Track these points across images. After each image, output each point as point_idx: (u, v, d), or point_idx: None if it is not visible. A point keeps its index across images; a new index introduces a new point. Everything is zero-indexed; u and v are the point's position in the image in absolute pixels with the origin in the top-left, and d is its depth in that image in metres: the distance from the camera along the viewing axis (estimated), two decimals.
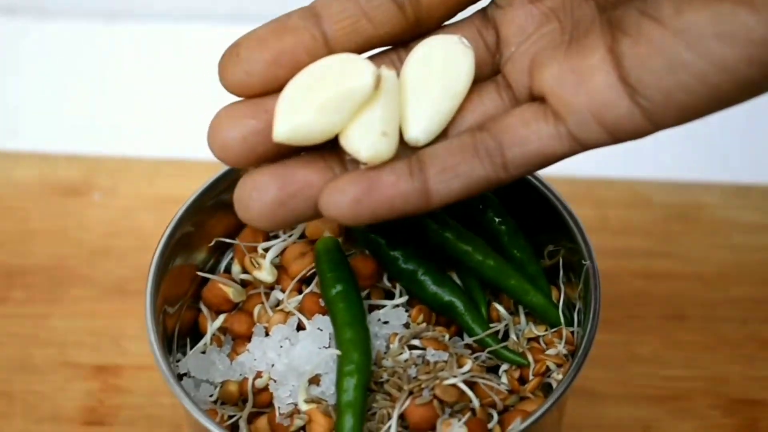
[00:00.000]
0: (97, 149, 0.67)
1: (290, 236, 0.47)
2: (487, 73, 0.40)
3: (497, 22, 0.40)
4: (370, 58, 0.39)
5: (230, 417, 0.44)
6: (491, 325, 0.45)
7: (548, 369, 0.44)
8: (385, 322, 0.45)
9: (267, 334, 0.45)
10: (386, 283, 0.46)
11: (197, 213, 0.46)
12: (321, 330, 0.44)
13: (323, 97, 0.37)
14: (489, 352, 0.44)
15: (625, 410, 0.55)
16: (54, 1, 0.75)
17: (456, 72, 0.39)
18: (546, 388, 0.45)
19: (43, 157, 0.66)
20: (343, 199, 0.36)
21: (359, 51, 0.38)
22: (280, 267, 0.47)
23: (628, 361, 0.57)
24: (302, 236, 0.47)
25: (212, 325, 0.47)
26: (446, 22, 0.40)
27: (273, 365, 0.44)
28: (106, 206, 0.64)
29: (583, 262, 0.44)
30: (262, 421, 0.44)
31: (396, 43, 0.40)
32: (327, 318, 0.44)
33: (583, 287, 0.45)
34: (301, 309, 0.45)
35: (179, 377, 0.45)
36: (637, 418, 0.55)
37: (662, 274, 0.60)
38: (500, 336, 0.45)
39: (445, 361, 0.43)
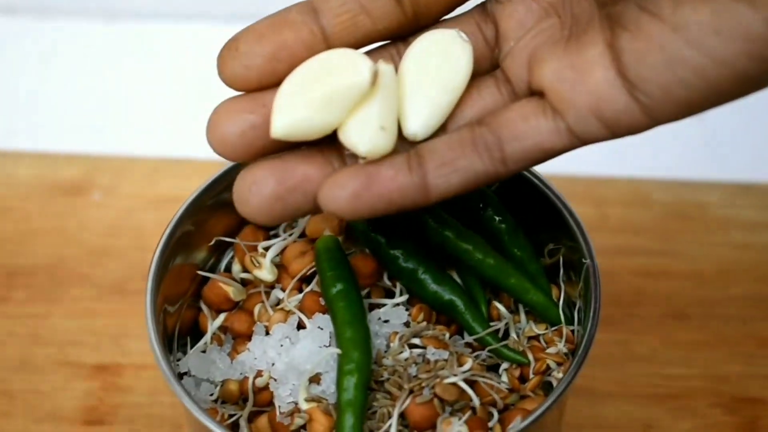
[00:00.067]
0: (97, 149, 0.67)
1: (290, 235, 0.47)
2: (486, 67, 0.40)
3: (496, 16, 0.40)
4: (369, 52, 0.40)
5: (231, 416, 0.44)
6: (491, 323, 0.45)
7: (548, 367, 0.44)
8: (386, 321, 0.45)
9: (267, 333, 0.45)
10: (386, 281, 0.46)
11: (197, 212, 0.46)
12: (321, 329, 0.44)
13: (321, 93, 0.37)
14: (489, 351, 0.44)
15: (625, 409, 0.55)
16: (54, 1, 0.75)
17: (454, 66, 0.39)
18: (546, 387, 0.45)
19: (43, 157, 0.66)
20: (342, 193, 0.36)
21: (358, 46, 0.38)
22: (280, 266, 0.47)
23: (628, 359, 0.57)
24: (302, 235, 0.47)
25: (212, 324, 0.47)
26: (445, 17, 0.40)
27: (273, 364, 0.44)
28: (106, 206, 0.64)
29: (583, 261, 0.44)
30: (263, 420, 0.44)
31: (395, 37, 0.40)
32: (327, 317, 0.44)
33: (583, 286, 0.45)
34: (301, 308, 0.45)
35: (180, 376, 0.45)
36: (637, 416, 0.55)
37: (662, 272, 0.60)
38: (500, 335, 0.45)
39: (446, 360, 0.43)
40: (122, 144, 0.68)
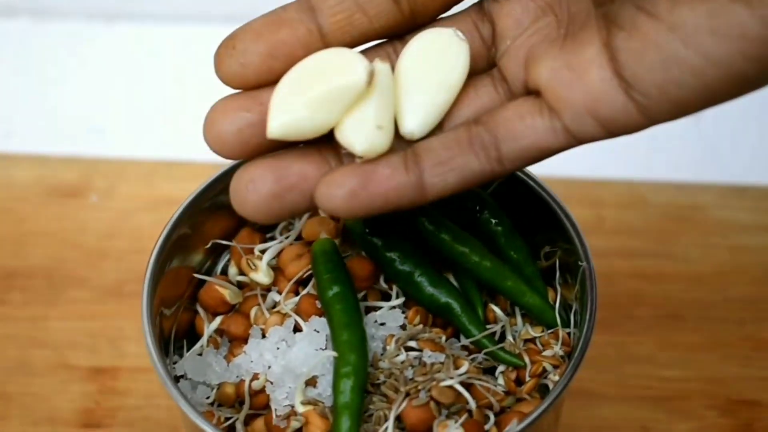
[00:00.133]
0: (94, 151, 0.67)
1: (287, 238, 0.47)
2: (483, 66, 0.40)
3: (493, 15, 0.40)
4: (366, 50, 0.40)
5: (227, 419, 0.44)
6: (488, 326, 0.45)
7: (545, 370, 0.44)
8: (382, 324, 0.45)
9: (264, 336, 0.45)
10: (383, 284, 0.46)
11: (194, 215, 0.46)
12: (318, 332, 0.44)
13: (317, 93, 0.37)
14: (485, 354, 0.44)
15: (621, 411, 0.55)
16: (54, 1, 0.75)
17: (451, 65, 0.39)
18: (543, 390, 0.45)
19: (40, 159, 0.66)
20: (339, 192, 0.36)
21: (355, 44, 0.39)
22: (276, 269, 0.47)
23: (625, 361, 0.57)
24: (299, 238, 0.47)
25: (209, 327, 0.47)
26: (442, 15, 0.40)
27: (270, 367, 0.44)
28: (103, 208, 0.64)
29: (580, 263, 0.44)
30: (259, 423, 0.44)
31: (391, 36, 0.40)
32: (324, 320, 0.44)
33: (580, 288, 0.45)
34: (297, 311, 0.45)
35: (176, 379, 0.45)
36: (633, 418, 0.55)
37: (658, 274, 0.60)
38: (497, 337, 0.45)
39: (442, 363, 0.43)
40: (119, 146, 0.68)
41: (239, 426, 0.44)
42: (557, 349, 0.45)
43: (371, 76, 0.37)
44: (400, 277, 0.45)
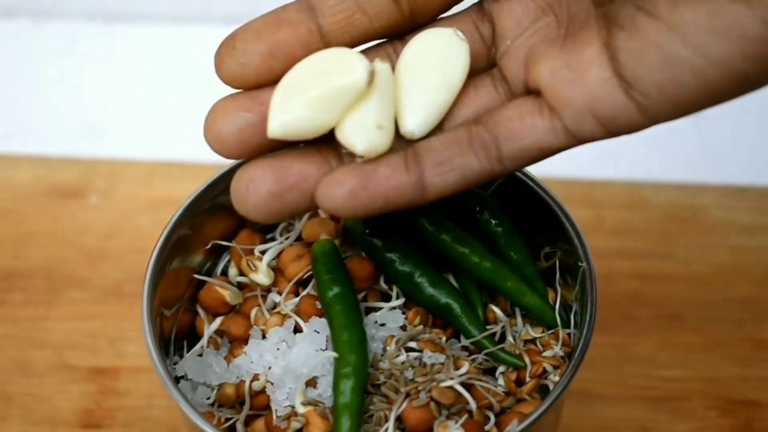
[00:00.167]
0: (94, 151, 0.67)
1: (287, 238, 0.47)
2: (483, 66, 0.40)
3: (493, 15, 0.40)
4: (366, 50, 0.40)
5: (227, 420, 0.44)
6: (488, 327, 0.45)
7: (545, 371, 0.44)
8: (382, 325, 0.45)
9: (264, 337, 0.45)
10: (383, 285, 0.46)
11: (194, 216, 0.46)
12: (318, 332, 0.44)
13: (317, 93, 0.37)
14: (486, 354, 0.44)
15: (621, 411, 0.55)
16: (54, 1, 0.75)
17: (451, 65, 0.39)
18: (543, 390, 0.45)
19: (40, 160, 0.66)
20: (340, 191, 0.36)
21: (355, 44, 0.39)
22: (276, 269, 0.47)
23: (625, 362, 0.57)
24: (299, 239, 0.47)
25: (209, 328, 0.47)
26: (442, 15, 0.40)
27: (270, 368, 0.44)
28: (102, 209, 0.64)
29: (580, 264, 0.44)
30: (259, 424, 0.44)
31: (392, 36, 0.40)
32: (324, 320, 0.44)
33: (580, 289, 0.45)
34: (298, 311, 0.45)
35: (176, 380, 0.45)
36: (633, 419, 0.55)
37: (658, 275, 0.60)
38: (497, 338, 0.45)
39: (442, 364, 0.43)
40: (119, 147, 0.68)
41: (239, 427, 0.44)
42: (557, 350, 0.45)
43: (371, 76, 0.37)
44: (400, 277, 0.45)
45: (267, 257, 0.47)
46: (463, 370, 0.43)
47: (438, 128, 0.39)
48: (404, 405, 0.41)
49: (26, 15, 0.75)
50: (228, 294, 0.47)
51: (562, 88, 0.36)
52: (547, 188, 0.46)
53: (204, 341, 0.46)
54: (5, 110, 0.71)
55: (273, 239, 0.48)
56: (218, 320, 0.47)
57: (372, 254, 0.45)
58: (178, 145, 0.65)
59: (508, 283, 0.45)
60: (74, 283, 0.60)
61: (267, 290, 0.47)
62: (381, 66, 0.38)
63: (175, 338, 0.46)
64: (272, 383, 0.43)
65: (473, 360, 0.44)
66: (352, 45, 0.38)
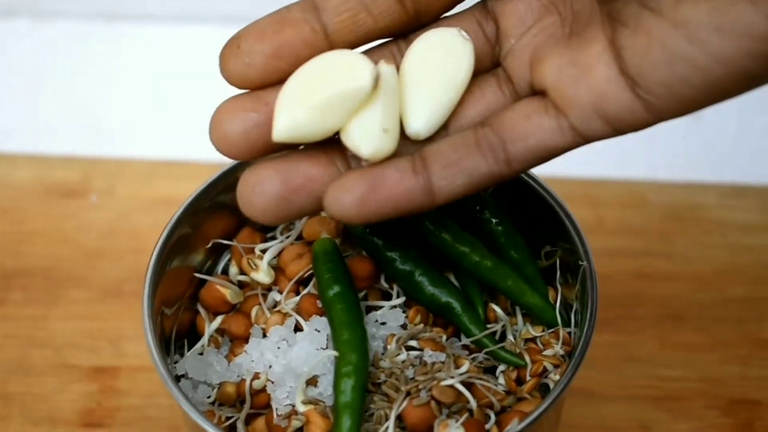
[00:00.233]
0: (94, 151, 0.67)
1: (287, 237, 0.47)
2: (488, 65, 0.40)
3: (497, 14, 0.40)
4: (370, 50, 0.40)
5: (228, 418, 0.44)
6: (488, 325, 0.45)
7: (545, 370, 0.44)
8: (383, 323, 0.45)
9: (264, 336, 0.45)
10: (383, 284, 0.46)
11: (194, 214, 0.46)
12: (318, 331, 0.44)
13: (322, 97, 0.37)
14: (486, 353, 0.44)
15: (622, 410, 0.55)
16: (54, 1, 0.75)
17: (456, 64, 0.39)
18: (543, 389, 0.45)
19: (40, 159, 0.66)
20: (349, 197, 0.36)
21: (359, 44, 0.39)
22: (277, 268, 0.47)
23: (625, 361, 0.57)
24: (299, 237, 0.47)
25: (210, 327, 0.47)
26: (446, 14, 0.40)
27: (270, 366, 0.44)
28: (103, 208, 0.64)
29: (580, 263, 0.44)
30: (260, 423, 0.44)
31: (396, 35, 0.40)
32: (324, 319, 0.44)
33: (580, 288, 0.45)
34: (298, 310, 0.45)
35: (177, 379, 0.45)
36: (634, 418, 0.55)
37: (658, 274, 0.60)
38: (497, 337, 0.45)
39: (443, 362, 0.43)
40: (119, 146, 0.68)
41: (240, 425, 0.44)
42: (558, 349, 0.45)
43: (377, 80, 0.37)
44: (400, 276, 0.45)
45: (268, 256, 0.47)
46: (463, 368, 0.43)
47: (443, 129, 0.39)
48: (405, 404, 0.41)
49: (26, 15, 0.75)
50: (229, 293, 0.47)
51: (567, 87, 0.36)
52: (547, 187, 0.46)
53: (205, 340, 0.46)
54: (5, 110, 0.71)
55: (274, 238, 0.48)
56: (219, 319, 0.47)
57: (372, 253, 0.45)
58: (178, 145, 0.65)
59: (509, 281, 0.45)
60: (74, 282, 0.60)
61: (268, 289, 0.47)
62: (386, 68, 0.38)
63: (175, 337, 0.47)
64: (273, 382, 0.43)
65: (474, 359, 0.44)
66: (356, 44, 0.38)
